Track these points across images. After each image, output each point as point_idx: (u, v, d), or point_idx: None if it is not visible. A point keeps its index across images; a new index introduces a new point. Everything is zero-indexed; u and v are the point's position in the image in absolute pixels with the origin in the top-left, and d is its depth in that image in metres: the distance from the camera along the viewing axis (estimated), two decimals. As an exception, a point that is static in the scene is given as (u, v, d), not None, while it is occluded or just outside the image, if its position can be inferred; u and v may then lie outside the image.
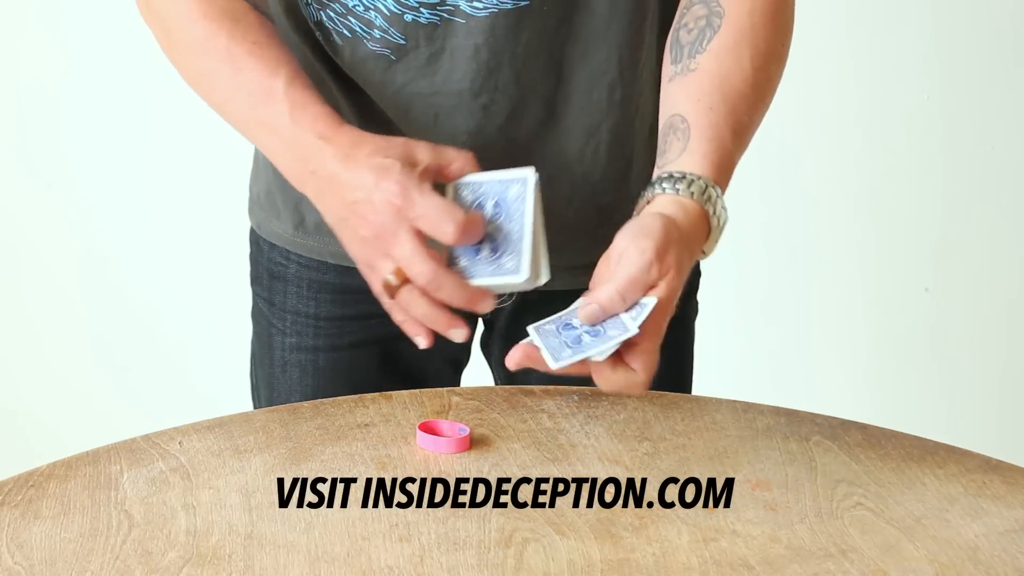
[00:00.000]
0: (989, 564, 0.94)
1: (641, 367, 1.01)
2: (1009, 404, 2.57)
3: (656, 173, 1.10)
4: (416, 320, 1.06)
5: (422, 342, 1.06)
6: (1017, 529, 0.98)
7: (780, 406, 1.15)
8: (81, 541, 0.93)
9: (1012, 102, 2.42)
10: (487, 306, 1.04)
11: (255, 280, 1.34)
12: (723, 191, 1.09)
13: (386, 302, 1.06)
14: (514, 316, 1.32)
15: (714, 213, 1.07)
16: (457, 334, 1.05)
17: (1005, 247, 2.49)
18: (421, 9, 1.16)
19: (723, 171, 1.10)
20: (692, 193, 1.07)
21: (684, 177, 1.07)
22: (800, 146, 2.44)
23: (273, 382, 1.33)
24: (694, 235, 1.06)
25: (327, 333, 1.30)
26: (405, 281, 1.04)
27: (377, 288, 1.06)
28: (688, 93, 1.13)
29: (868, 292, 2.51)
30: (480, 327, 1.36)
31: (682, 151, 1.10)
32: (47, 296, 2.46)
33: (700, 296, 1.38)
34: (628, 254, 1.02)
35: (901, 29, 2.39)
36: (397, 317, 1.07)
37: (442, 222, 1.03)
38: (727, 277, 2.33)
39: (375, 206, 1.05)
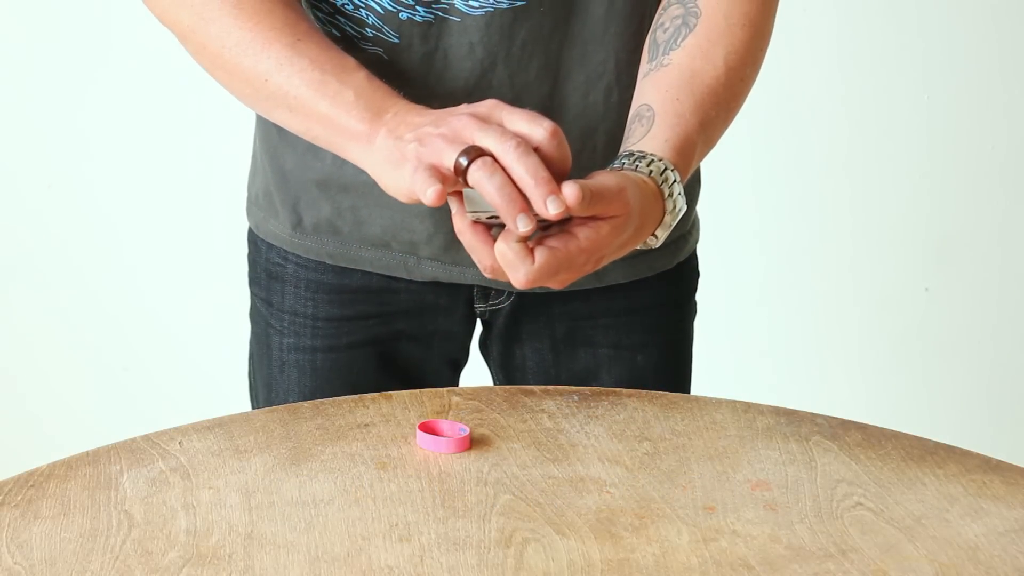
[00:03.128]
0: (989, 564, 0.94)
1: (542, 259, 0.98)
2: (1009, 404, 2.57)
3: (618, 155, 1.09)
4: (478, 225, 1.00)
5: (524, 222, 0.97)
6: (1017, 529, 0.98)
7: (780, 406, 1.15)
8: (81, 541, 0.93)
9: (1012, 102, 2.42)
10: (556, 204, 0.97)
11: (253, 280, 1.34)
12: (683, 179, 1.08)
13: (430, 196, 0.98)
14: (512, 317, 1.32)
15: (670, 196, 1.06)
16: (524, 221, 0.97)
17: (1005, 247, 2.49)
18: (416, 7, 1.15)
19: (684, 158, 1.09)
20: (650, 171, 1.06)
21: (644, 156, 1.07)
22: (799, 146, 2.44)
23: (271, 382, 1.33)
24: (648, 213, 1.05)
25: (325, 333, 1.30)
26: (475, 158, 0.98)
27: (425, 191, 0.98)
28: (657, 85, 1.13)
29: (868, 292, 2.51)
30: (478, 328, 1.36)
31: (644, 135, 1.09)
32: (47, 296, 2.46)
33: (700, 296, 1.38)
34: (604, 176, 1.02)
35: (900, 29, 2.39)
36: (458, 225, 1.01)
37: (536, 117, 1.00)
38: (727, 277, 2.33)
39: (454, 118, 1.01)
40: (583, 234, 1.00)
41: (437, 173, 0.99)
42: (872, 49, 2.40)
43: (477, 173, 0.98)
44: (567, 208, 0.97)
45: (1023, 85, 2.42)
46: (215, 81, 1.15)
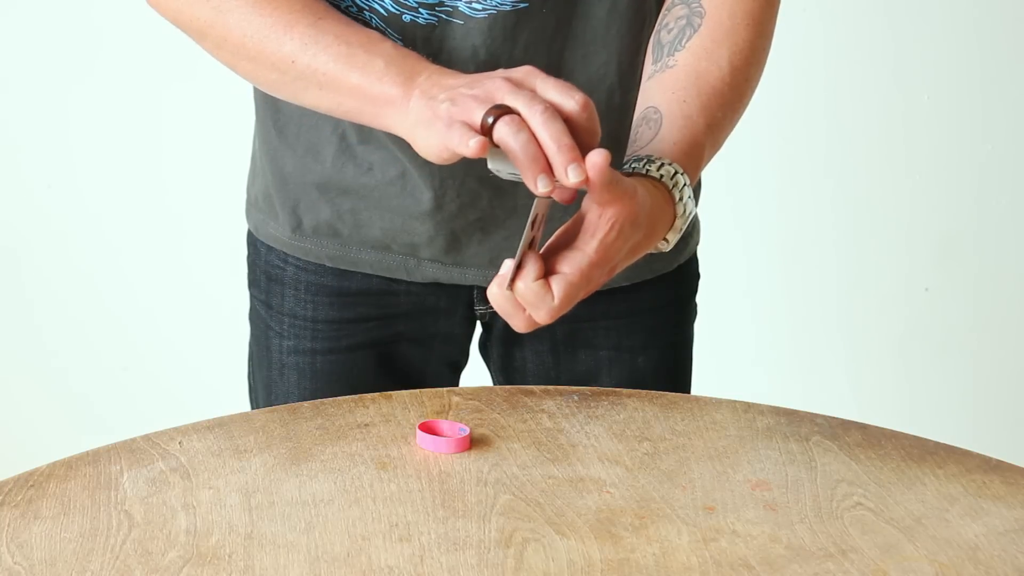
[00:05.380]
0: (989, 564, 0.94)
1: (560, 290, 0.98)
2: (1009, 404, 2.57)
3: (626, 158, 1.09)
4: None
5: (543, 184, 0.97)
6: (1017, 529, 0.98)
7: (780, 406, 1.15)
8: (81, 541, 0.93)
9: (1012, 102, 2.42)
10: (576, 172, 0.96)
11: (252, 283, 1.34)
12: (691, 182, 1.08)
13: (470, 147, 0.98)
14: (513, 318, 1.32)
15: (680, 200, 1.06)
16: (545, 181, 0.96)
17: (1005, 247, 2.49)
18: (420, 10, 1.15)
19: (693, 161, 1.09)
20: (660, 176, 1.05)
21: (653, 160, 1.06)
22: (800, 146, 2.44)
23: (271, 385, 1.32)
24: (659, 217, 1.04)
25: (325, 336, 1.30)
26: (501, 115, 0.98)
27: (466, 142, 0.98)
28: (663, 87, 1.12)
29: (868, 292, 2.51)
30: (478, 329, 1.36)
31: (652, 138, 1.09)
32: (47, 296, 2.46)
33: (700, 295, 1.38)
34: (630, 182, 1.01)
35: (901, 29, 2.39)
36: (492, 290, 1.00)
37: (568, 88, 0.99)
38: (727, 277, 2.33)
39: (488, 80, 1.01)
40: (590, 247, 1.00)
41: (473, 127, 0.99)
42: (872, 49, 2.40)
43: (503, 129, 0.97)
44: (587, 179, 0.96)
45: (1023, 85, 2.42)
46: (237, 74, 1.14)
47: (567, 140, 0.96)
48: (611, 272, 1.03)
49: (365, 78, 1.07)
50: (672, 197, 1.06)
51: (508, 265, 0.99)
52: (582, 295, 1.01)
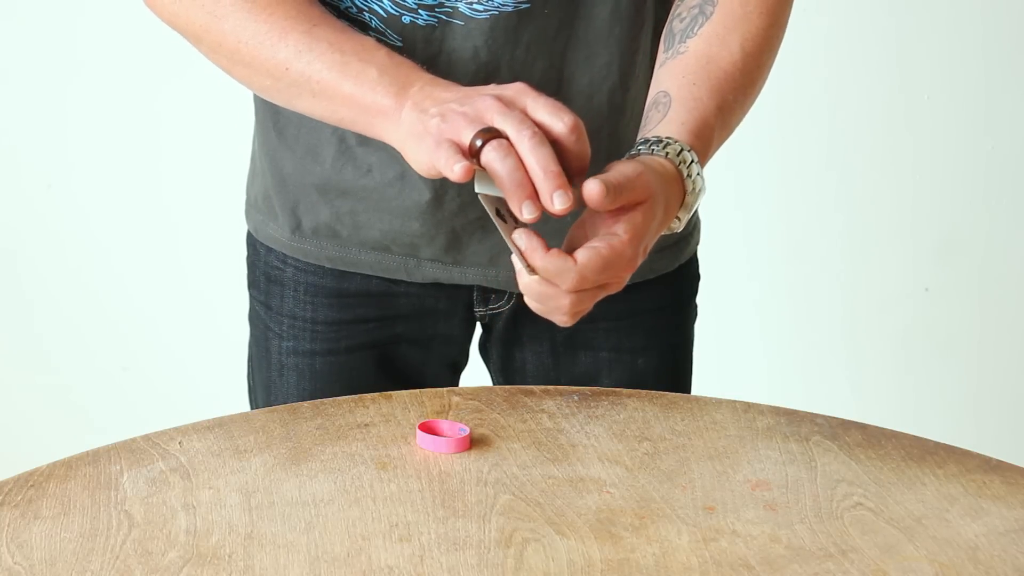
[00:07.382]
0: (989, 564, 0.94)
1: (585, 257, 0.97)
2: (1009, 404, 2.57)
3: (636, 142, 1.09)
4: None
5: (528, 211, 0.97)
6: (1017, 529, 0.98)
7: (780, 406, 1.15)
8: (81, 541, 0.93)
9: (1012, 102, 2.42)
10: (562, 199, 0.96)
11: (252, 284, 1.34)
12: (702, 162, 1.07)
13: (455, 172, 0.98)
14: (512, 319, 1.32)
15: (689, 176, 1.06)
16: (530, 208, 0.97)
17: (1005, 247, 2.49)
18: (419, 11, 1.15)
19: (702, 141, 1.08)
20: (667, 154, 1.05)
21: (660, 141, 1.06)
22: (800, 146, 2.44)
23: (270, 386, 1.32)
24: (670, 193, 1.04)
25: (324, 337, 1.30)
26: (489, 139, 0.98)
27: (451, 166, 0.98)
28: (673, 73, 1.12)
29: (868, 292, 2.51)
30: (478, 330, 1.36)
31: (661, 120, 1.09)
32: (47, 296, 2.46)
33: (700, 295, 1.38)
34: (621, 165, 1.01)
35: (901, 29, 2.39)
36: (523, 280, 1.00)
37: (559, 109, 0.99)
38: (727, 277, 2.33)
39: (479, 98, 1.01)
40: (621, 228, 0.99)
41: (461, 149, 0.99)
42: (872, 49, 2.40)
43: (490, 154, 0.97)
44: (571, 206, 0.96)
45: (1023, 85, 2.42)
46: (234, 79, 1.14)
47: (554, 167, 0.97)
48: (644, 252, 1.02)
49: (358, 87, 1.07)
50: (680, 175, 1.05)
51: (517, 261, 0.99)
52: (612, 273, 0.99)
